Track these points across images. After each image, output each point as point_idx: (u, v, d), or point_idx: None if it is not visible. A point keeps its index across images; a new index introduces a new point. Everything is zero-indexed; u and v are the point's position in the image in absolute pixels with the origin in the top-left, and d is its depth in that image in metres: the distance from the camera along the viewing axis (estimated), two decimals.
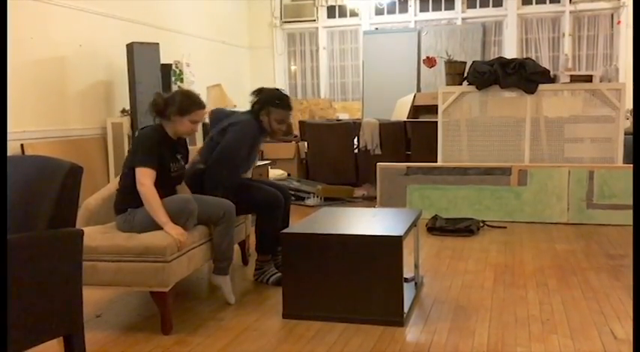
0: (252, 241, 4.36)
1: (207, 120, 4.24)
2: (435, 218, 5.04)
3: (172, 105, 3.05)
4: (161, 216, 2.88)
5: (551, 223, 5.11)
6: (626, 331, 2.72)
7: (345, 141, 6.99)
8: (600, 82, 5.57)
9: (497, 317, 2.94)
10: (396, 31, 9.91)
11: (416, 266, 3.47)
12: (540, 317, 2.92)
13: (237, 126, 3.49)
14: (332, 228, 3.08)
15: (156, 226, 2.88)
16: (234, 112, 3.84)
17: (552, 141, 5.45)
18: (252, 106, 3.61)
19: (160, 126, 3.09)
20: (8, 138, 5.10)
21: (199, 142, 6.47)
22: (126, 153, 5.94)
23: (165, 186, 3.03)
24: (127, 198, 2.99)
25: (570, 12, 9.29)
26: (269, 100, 3.56)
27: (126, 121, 6.29)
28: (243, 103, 9.50)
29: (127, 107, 6.35)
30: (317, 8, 10.33)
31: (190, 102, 3.10)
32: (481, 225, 4.98)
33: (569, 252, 4.16)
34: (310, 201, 6.25)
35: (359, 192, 6.66)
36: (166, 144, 3.07)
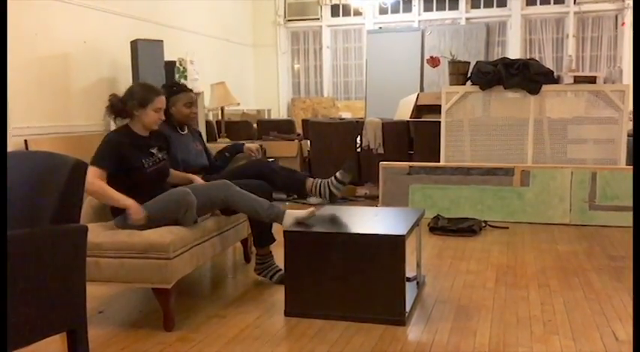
0: None
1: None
2: (437, 218, 5.04)
3: (131, 100, 3.03)
4: (121, 199, 2.88)
5: (554, 224, 5.11)
6: (628, 332, 2.72)
7: (347, 140, 6.99)
8: (604, 83, 5.55)
9: (499, 317, 2.94)
10: (400, 30, 9.91)
11: (418, 266, 3.47)
12: (542, 318, 2.92)
13: None
14: (334, 226, 3.09)
15: (158, 223, 2.89)
16: None
17: (555, 142, 5.45)
18: None
19: (125, 127, 3.08)
20: (12, 134, 5.11)
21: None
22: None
23: (144, 184, 3.02)
24: None
25: (574, 13, 9.28)
26: (167, 94, 3.53)
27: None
28: (246, 101, 9.55)
29: None
30: (321, 7, 10.34)
31: (148, 91, 3.08)
32: (483, 225, 4.98)
33: (571, 253, 4.16)
34: (312, 200, 6.25)
35: (361, 191, 6.66)
36: (135, 143, 3.04)
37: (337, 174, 3.46)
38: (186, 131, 3.80)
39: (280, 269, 3.49)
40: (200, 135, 4.00)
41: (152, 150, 3.13)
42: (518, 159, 5.47)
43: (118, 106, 3.04)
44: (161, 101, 3.09)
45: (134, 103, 3.02)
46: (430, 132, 6.17)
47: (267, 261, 3.56)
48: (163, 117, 3.16)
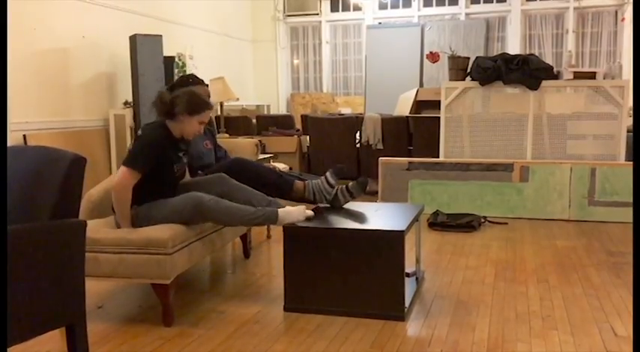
0: (254, 234, 4.38)
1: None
2: (436, 213, 5.04)
3: (180, 104, 2.95)
4: (124, 221, 2.90)
5: (553, 220, 5.11)
6: (627, 328, 2.73)
7: (347, 135, 6.98)
8: (604, 78, 5.54)
9: (498, 312, 2.94)
10: (400, 25, 9.89)
11: (417, 261, 3.47)
12: (541, 313, 2.92)
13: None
14: (334, 222, 3.08)
15: (161, 220, 2.89)
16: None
17: (555, 138, 5.44)
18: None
19: (162, 125, 3.00)
20: (11, 129, 5.11)
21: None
22: (128, 147, 5.96)
23: (164, 185, 3.01)
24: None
25: (574, 8, 9.27)
26: (182, 84, 3.57)
27: (128, 113, 6.29)
28: (245, 96, 9.54)
29: (130, 99, 6.35)
30: (320, 2, 10.32)
31: (200, 102, 3.03)
32: (482, 220, 4.98)
33: (570, 249, 4.16)
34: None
35: None
36: (170, 144, 3.01)
37: (329, 177, 3.33)
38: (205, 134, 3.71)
39: (336, 192, 3.29)
40: (213, 134, 3.92)
41: (180, 154, 3.10)
42: (518, 155, 5.47)
43: (167, 106, 2.96)
44: (208, 115, 3.05)
45: (181, 109, 2.95)
46: (430, 128, 6.16)
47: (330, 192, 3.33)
48: (202, 132, 3.11)
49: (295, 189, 3.40)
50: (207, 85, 3.77)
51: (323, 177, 3.35)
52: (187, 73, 7.12)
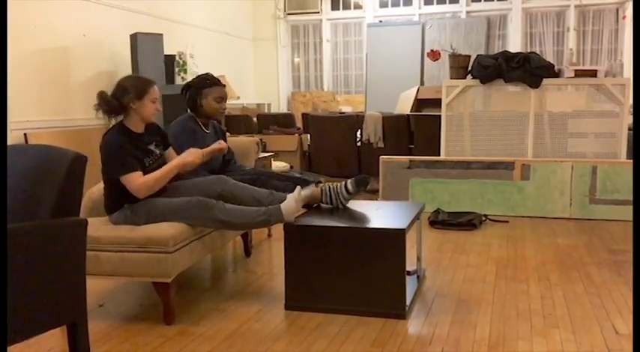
0: (255, 233, 4.38)
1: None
2: (437, 211, 5.04)
3: (125, 94, 2.91)
4: (172, 167, 2.95)
5: (554, 218, 5.11)
6: (628, 326, 2.72)
7: (347, 134, 6.99)
8: (605, 76, 5.54)
9: (499, 310, 2.94)
10: (400, 24, 9.88)
11: (418, 260, 3.47)
12: (542, 311, 2.92)
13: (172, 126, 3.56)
14: (335, 220, 3.08)
15: (160, 218, 2.89)
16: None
17: (556, 136, 5.44)
18: (187, 102, 3.65)
19: (120, 126, 2.96)
20: (12, 128, 5.11)
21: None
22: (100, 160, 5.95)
23: None
24: (120, 199, 2.94)
25: (575, 6, 9.26)
26: (199, 85, 3.58)
27: None
28: (246, 95, 9.54)
29: None
30: (321, 0, 10.31)
31: (142, 82, 2.99)
32: (483, 219, 4.98)
33: (572, 247, 4.16)
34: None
35: None
36: (133, 141, 2.95)
37: (348, 185, 3.29)
38: (210, 130, 3.69)
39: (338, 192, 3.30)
40: (224, 135, 3.89)
41: (150, 147, 3.04)
42: (519, 153, 5.46)
43: (112, 103, 2.90)
44: (156, 91, 3.00)
45: (130, 97, 2.90)
46: (430, 126, 6.16)
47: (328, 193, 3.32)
48: (160, 108, 3.07)
49: (314, 195, 3.35)
50: (224, 86, 3.73)
51: (343, 184, 3.30)
52: (188, 71, 7.13)
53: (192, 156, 3.03)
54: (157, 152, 3.08)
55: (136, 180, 2.86)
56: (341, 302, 2.89)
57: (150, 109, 2.97)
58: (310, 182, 3.44)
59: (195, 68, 7.30)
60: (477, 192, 5.31)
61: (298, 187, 3.09)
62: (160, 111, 3.13)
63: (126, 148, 2.88)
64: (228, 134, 6.51)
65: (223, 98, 3.65)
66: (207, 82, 3.63)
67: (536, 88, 5.39)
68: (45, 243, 1.94)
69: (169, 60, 6.75)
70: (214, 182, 3.17)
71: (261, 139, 5.06)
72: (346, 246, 2.87)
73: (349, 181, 3.29)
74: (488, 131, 5.57)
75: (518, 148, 5.49)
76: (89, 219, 2.49)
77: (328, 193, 3.29)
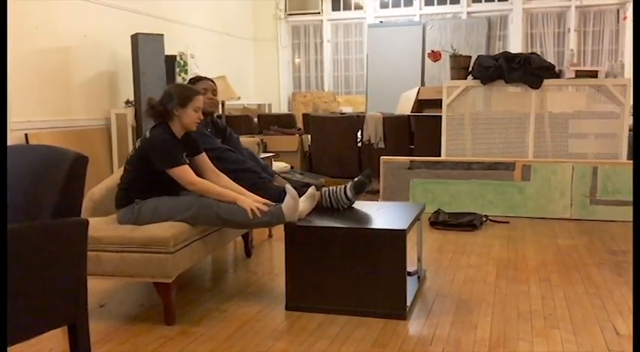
0: (256, 233, 4.38)
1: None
2: (437, 212, 5.04)
3: (171, 100, 3.01)
4: (229, 196, 2.95)
5: (554, 218, 5.11)
6: (629, 327, 2.72)
7: (348, 134, 6.99)
8: (605, 77, 5.53)
9: (500, 311, 2.94)
10: (401, 24, 9.88)
11: (419, 260, 3.47)
12: (543, 312, 2.92)
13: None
14: (335, 221, 3.08)
15: (162, 219, 2.89)
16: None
17: (556, 137, 5.44)
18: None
19: (166, 126, 3.04)
20: (12, 128, 5.11)
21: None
22: (131, 145, 5.97)
23: (169, 183, 2.99)
24: (134, 192, 2.98)
25: (576, 7, 9.26)
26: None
27: (130, 112, 6.30)
28: (247, 95, 9.54)
29: (131, 98, 6.36)
30: (322, 1, 10.31)
31: (188, 91, 3.09)
32: (484, 219, 4.98)
33: (572, 248, 4.16)
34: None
35: None
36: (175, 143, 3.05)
37: (347, 192, 3.30)
38: (209, 130, 3.67)
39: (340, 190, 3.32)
40: (224, 135, 3.84)
41: (185, 155, 3.09)
42: (519, 154, 5.46)
43: (157, 108, 3.02)
44: (200, 100, 3.08)
45: (174, 104, 3.00)
46: (431, 127, 6.16)
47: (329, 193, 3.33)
48: (202, 117, 3.14)
49: (315, 197, 3.34)
50: (211, 80, 3.75)
51: (342, 188, 3.31)
52: (189, 71, 7.14)
53: (249, 204, 2.94)
54: (187, 162, 3.11)
55: (191, 174, 2.95)
56: (342, 302, 2.89)
57: (192, 117, 3.06)
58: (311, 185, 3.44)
59: (196, 68, 7.31)
60: (478, 192, 5.31)
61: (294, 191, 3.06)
62: (202, 120, 3.19)
63: (176, 143, 3.00)
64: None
65: (207, 89, 3.64)
66: (191, 79, 3.69)
67: (537, 88, 5.39)
68: (46, 244, 1.94)
69: (170, 60, 6.75)
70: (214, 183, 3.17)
71: (261, 140, 5.05)
72: (347, 247, 2.88)
73: (348, 187, 3.30)
74: (488, 132, 5.57)
75: (518, 149, 5.49)
76: (90, 219, 2.49)
77: (328, 199, 3.31)
